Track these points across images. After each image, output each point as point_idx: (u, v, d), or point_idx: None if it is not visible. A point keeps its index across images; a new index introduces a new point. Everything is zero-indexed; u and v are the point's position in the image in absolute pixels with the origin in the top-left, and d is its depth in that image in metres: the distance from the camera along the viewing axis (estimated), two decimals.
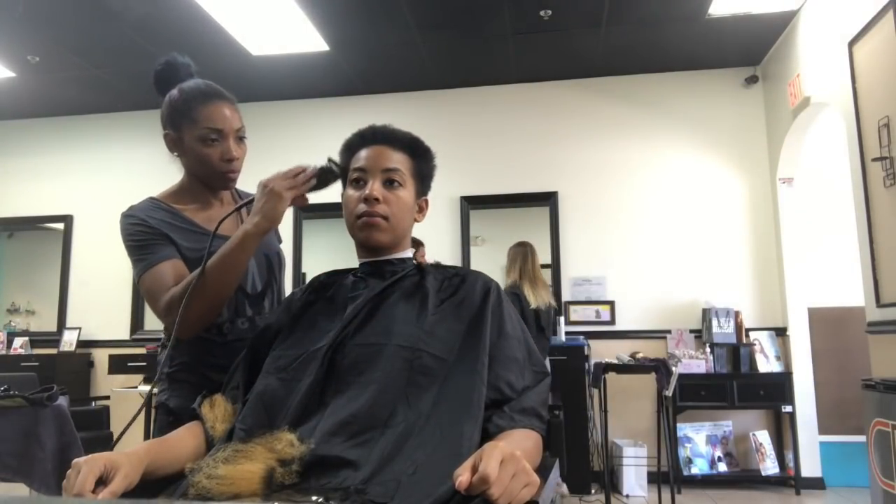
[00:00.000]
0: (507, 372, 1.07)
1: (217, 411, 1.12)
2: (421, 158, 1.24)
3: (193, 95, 1.41)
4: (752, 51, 4.66)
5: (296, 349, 1.12)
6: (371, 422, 0.98)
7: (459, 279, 1.18)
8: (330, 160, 1.27)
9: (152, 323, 5.21)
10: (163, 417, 1.41)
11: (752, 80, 4.83)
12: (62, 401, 2.84)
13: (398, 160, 1.20)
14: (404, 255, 1.24)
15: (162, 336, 1.47)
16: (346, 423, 0.98)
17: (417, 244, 4.42)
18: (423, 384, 1.02)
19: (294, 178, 1.25)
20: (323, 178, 1.27)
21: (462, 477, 0.77)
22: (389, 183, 1.18)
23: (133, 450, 0.97)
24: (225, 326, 1.41)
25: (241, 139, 1.44)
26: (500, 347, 1.08)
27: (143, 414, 4.39)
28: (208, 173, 1.42)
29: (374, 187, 1.16)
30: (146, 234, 1.35)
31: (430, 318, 1.10)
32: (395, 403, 1.00)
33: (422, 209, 1.27)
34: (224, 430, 1.09)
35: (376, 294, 1.15)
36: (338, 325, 1.11)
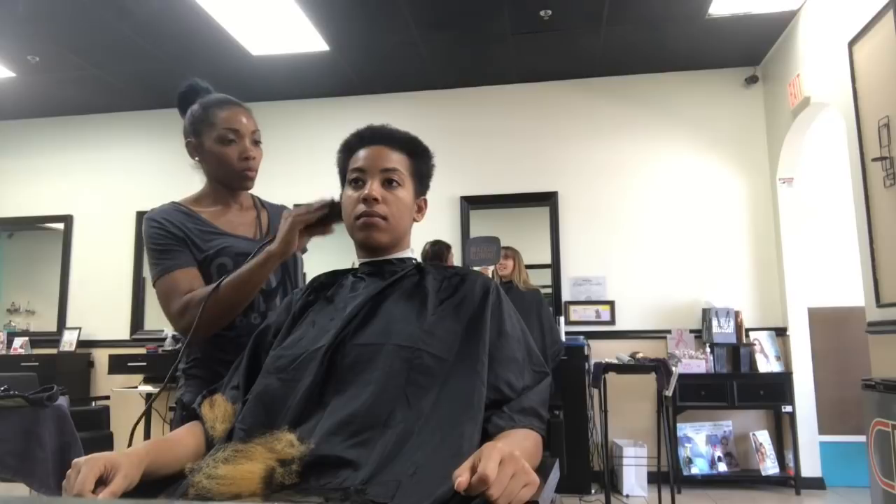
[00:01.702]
0: (507, 372, 1.07)
1: (217, 411, 1.12)
2: (419, 158, 1.24)
3: (211, 103, 1.51)
4: (752, 51, 4.66)
5: (295, 349, 1.12)
6: (371, 421, 0.98)
7: (459, 279, 1.18)
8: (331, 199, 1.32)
9: (152, 323, 5.21)
10: (178, 412, 1.49)
11: (752, 80, 4.83)
12: (62, 401, 2.84)
13: (397, 160, 1.20)
14: (404, 255, 1.24)
15: (173, 333, 1.54)
16: (346, 423, 0.98)
17: (447, 248, 4.40)
18: (422, 384, 1.02)
19: (308, 207, 1.32)
20: (336, 208, 1.29)
21: (461, 477, 0.77)
22: (388, 183, 1.18)
23: (133, 449, 0.97)
24: (237, 320, 1.45)
25: (256, 142, 1.52)
26: (499, 347, 1.08)
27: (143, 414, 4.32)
28: (227, 173, 1.50)
29: (373, 187, 1.16)
30: (165, 238, 1.43)
31: (430, 317, 1.10)
32: (394, 403, 1.00)
33: (421, 209, 1.27)
34: (224, 430, 1.08)
35: (376, 294, 1.15)
36: (337, 324, 1.11)
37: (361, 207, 1.16)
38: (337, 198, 1.29)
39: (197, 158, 1.53)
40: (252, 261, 1.35)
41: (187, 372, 1.49)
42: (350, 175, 1.21)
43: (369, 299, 1.14)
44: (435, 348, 1.05)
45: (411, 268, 1.21)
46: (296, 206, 1.37)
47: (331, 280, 1.26)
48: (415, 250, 1.28)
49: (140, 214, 5.37)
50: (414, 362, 1.03)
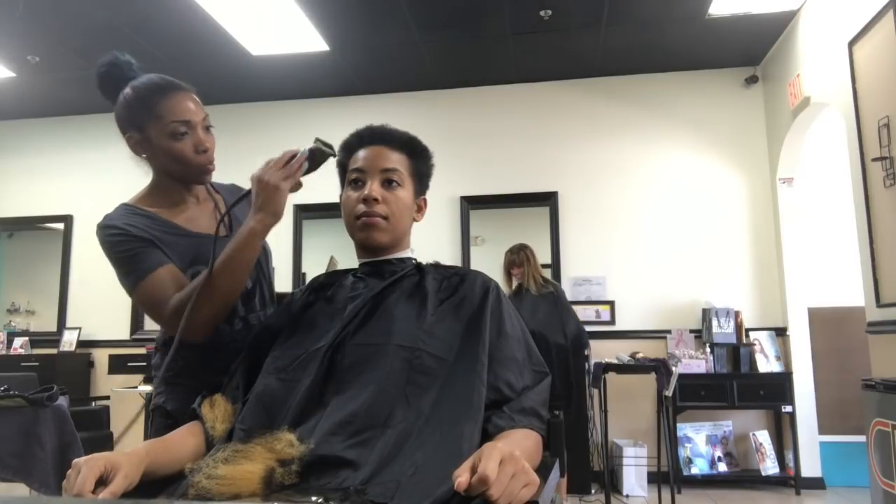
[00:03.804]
0: (507, 372, 1.07)
1: (217, 411, 1.12)
2: (419, 158, 1.24)
3: (152, 91, 1.33)
4: (752, 51, 4.66)
5: (295, 349, 1.12)
6: (371, 421, 0.98)
7: (459, 279, 1.18)
8: (317, 140, 1.26)
9: (152, 323, 5.17)
10: (160, 420, 1.39)
11: (752, 80, 4.82)
12: (62, 401, 2.84)
13: (396, 160, 1.20)
14: (404, 255, 1.24)
15: (156, 338, 1.45)
16: (346, 423, 0.98)
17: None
18: (422, 384, 1.02)
19: (286, 165, 1.22)
20: (314, 159, 1.25)
21: (461, 478, 0.77)
22: (388, 183, 1.18)
23: (133, 450, 0.97)
24: (221, 328, 1.37)
25: (208, 129, 1.37)
26: (499, 347, 1.08)
27: (142, 415, 4.38)
28: (184, 169, 1.35)
29: (373, 187, 1.16)
30: (130, 242, 1.28)
31: (430, 317, 1.10)
32: (394, 403, 1.00)
33: (420, 209, 1.27)
34: (224, 430, 1.08)
35: (376, 294, 1.15)
36: (337, 325, 1.11)
37: (361, 207, 1.16)
38: (305, 149, 1.25)
39: (144, 155, 1.36)
40: (234, 242, 1.21)
41: (168, 379, 1.39)
42: (350, 175, 1.21)
43: (369, 299, 1.14)
44: (435, 348, 1.06)
45: (411, 268, 1.21)
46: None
47: (330, 280, 1.26)
48: (415, 250, 1.28)
49: None
50: (414, 362, 1.03)
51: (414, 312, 1.11)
